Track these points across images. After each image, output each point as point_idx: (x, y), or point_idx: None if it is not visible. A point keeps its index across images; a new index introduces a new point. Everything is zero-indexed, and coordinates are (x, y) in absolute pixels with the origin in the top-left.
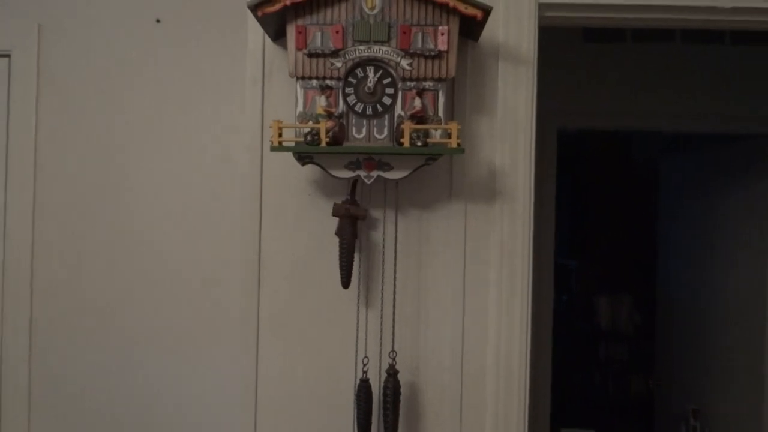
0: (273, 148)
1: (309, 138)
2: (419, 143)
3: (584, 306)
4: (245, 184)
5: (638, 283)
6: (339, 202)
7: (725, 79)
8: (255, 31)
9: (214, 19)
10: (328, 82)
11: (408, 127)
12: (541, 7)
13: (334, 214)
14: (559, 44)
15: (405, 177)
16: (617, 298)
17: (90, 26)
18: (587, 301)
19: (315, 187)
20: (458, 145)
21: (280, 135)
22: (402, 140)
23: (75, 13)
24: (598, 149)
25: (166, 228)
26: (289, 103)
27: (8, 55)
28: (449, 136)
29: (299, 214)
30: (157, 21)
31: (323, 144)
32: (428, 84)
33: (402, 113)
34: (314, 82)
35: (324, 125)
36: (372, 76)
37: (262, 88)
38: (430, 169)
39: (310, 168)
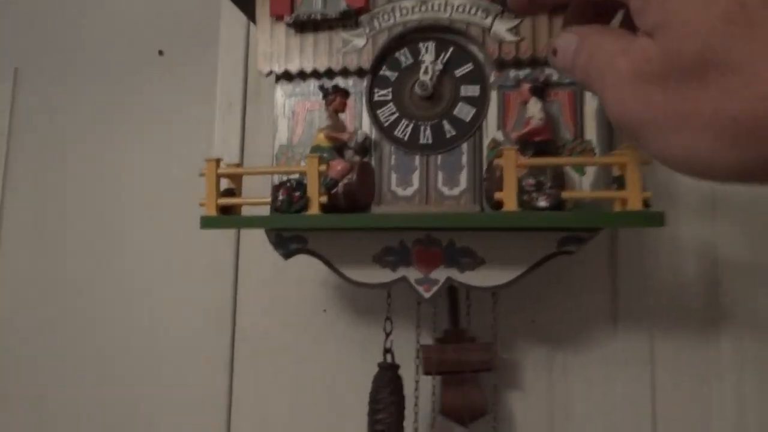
0: (206, 222)
1: (281, 199)
2: (542, 202)
3: None
4: (210, 284)
5: None
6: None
7: None
8: (234, 18)
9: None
10: (337, 80)
11: (512, 161)
12: None
13: (427, 372)
14: None
15: (510, 282)
16: None
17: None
18: None
19: (335, 296)
20: (645, 203)
21: (226, 192)
22: (499, 196)
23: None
24: None
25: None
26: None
27: None
28: (620, 183)
29: (303, 350)
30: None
31: (314, 209)
32: (558, 73)
33: (500, 136)
34: (311, 84)
35: (315, 168)
36: (431, 62)
37: (243, 115)
38: (569, 260)
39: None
